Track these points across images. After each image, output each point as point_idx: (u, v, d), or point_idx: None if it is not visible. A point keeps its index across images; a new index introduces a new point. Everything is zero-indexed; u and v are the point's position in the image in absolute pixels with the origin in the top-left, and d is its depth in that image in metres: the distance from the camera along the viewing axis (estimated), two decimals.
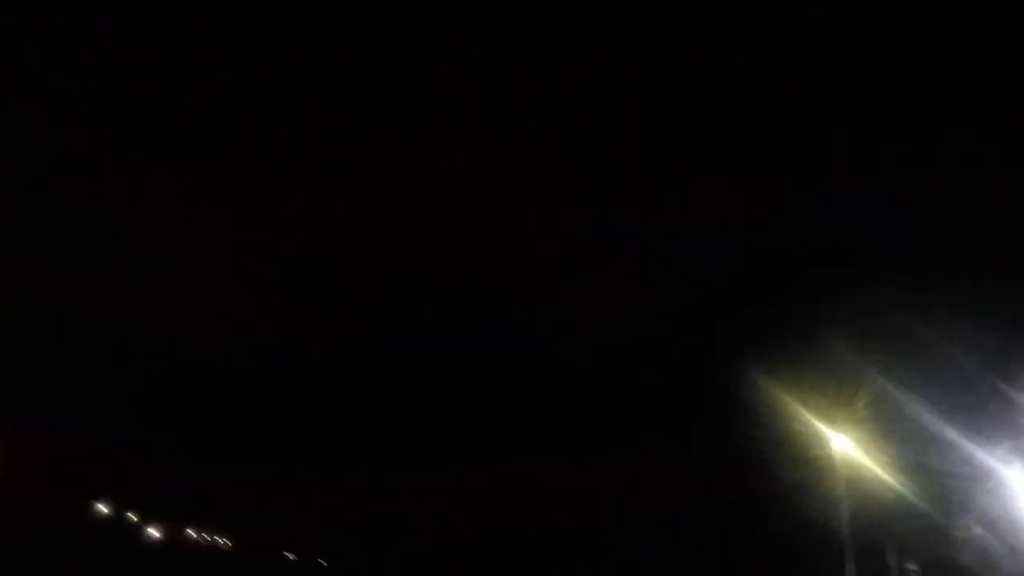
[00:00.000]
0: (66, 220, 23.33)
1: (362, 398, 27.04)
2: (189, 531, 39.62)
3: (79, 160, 22.69)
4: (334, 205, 28.18)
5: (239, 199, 24.61)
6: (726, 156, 23.48)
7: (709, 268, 24.41)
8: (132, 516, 33.67)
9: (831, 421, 23.01)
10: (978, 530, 26.11)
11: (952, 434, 22.92)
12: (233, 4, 22.61)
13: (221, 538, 42.56)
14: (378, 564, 34.54)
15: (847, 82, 23.30)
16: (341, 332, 25.45)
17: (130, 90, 23.64)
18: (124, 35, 20.91)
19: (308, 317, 25.38)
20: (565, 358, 25.33)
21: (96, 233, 24.50)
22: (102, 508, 31.07)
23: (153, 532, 35.36)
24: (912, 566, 22.32)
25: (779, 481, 23.39)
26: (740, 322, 23.74)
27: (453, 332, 26.51)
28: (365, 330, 25.46)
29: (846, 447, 22.95)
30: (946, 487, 24.39)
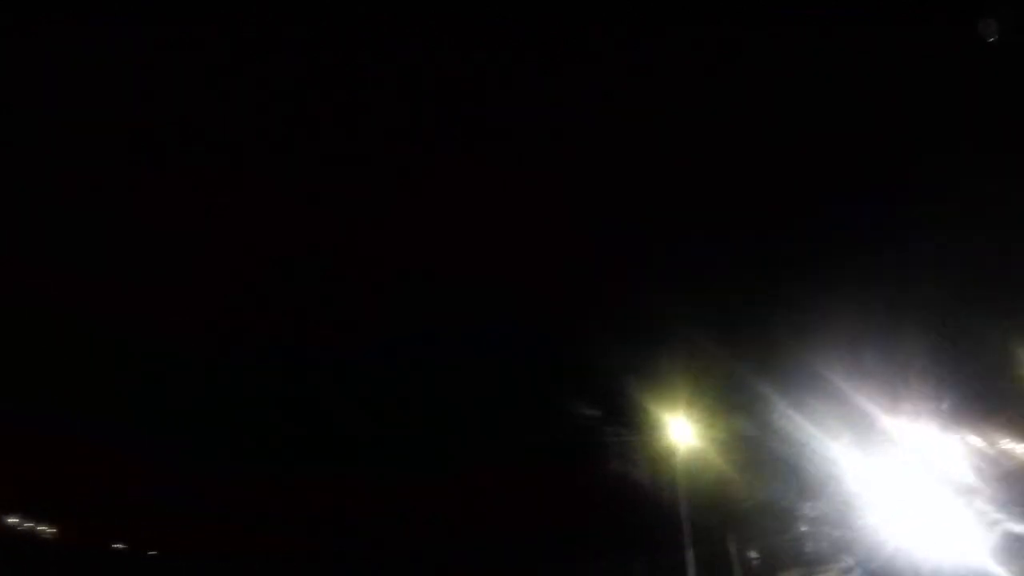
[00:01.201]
0: (66, 220, 23.42)
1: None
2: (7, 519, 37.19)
3: (79, 160, 22.77)
4: (331, 206, 28.28)
5: (238, 199, 24.69)
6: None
7: (562, 260, 24.47)
8: None
9: (675, 407, 23.58)
10: (818, 520, 26.80)
11: (796, 427, 23.82)
12: (233, 4, 22.71)
13: (43, 526, 39.93)
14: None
15: None
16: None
17: (131, 90, 23.74)
18: (123, 34, 21.00)
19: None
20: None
21: (96, 233, 24.60)
22: None
23: None
24: (753, 553, 22.68)
25: (623, 466, 23.62)
26: (593, 309, 24.13)
27: None
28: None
29: (689, 433, 23.65)
30: (789, 478, 24.78)
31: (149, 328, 24.83)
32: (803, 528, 28.87)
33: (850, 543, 28.48)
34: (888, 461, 26.49)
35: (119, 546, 40.30)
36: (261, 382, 25.69)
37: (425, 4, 22.20)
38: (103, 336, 24.39)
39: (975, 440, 26.87)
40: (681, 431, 23.60)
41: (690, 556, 22.89)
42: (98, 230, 24.43)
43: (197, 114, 25.31)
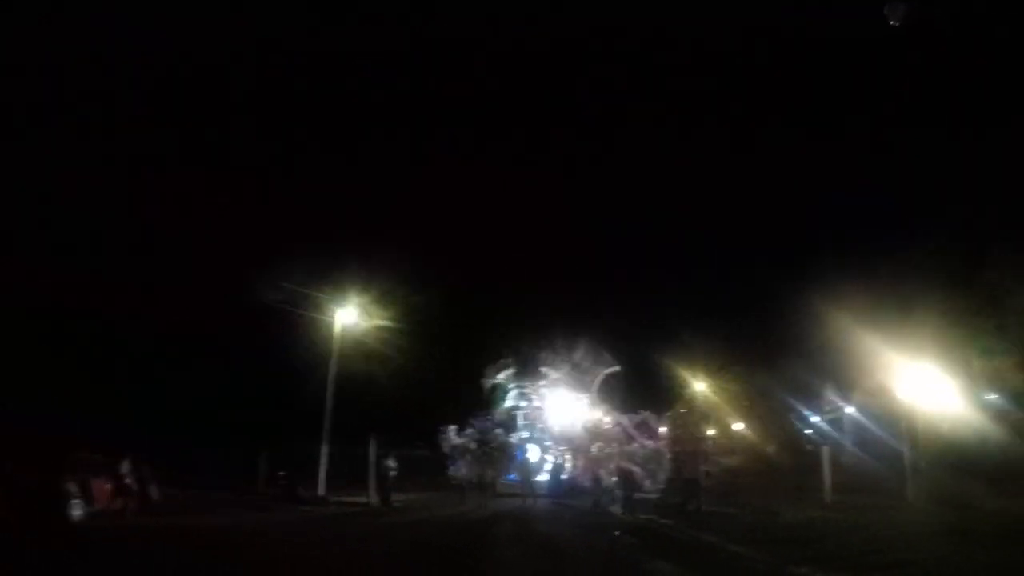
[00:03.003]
0: (66, 220, 23.42)
1: None
2: None
3: (79, 159, 22.77)
4: (325, 206, 28.34)
5: (237, 199, 24.71)
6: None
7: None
8: None
9: (343, 309, 24.91)
10: (466, 443, 29.12)
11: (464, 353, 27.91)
12: (234, 6, 22.70)
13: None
14: None
15: None
16: None
17: (131, 92, 23.72)
18: (124, 35, 20.99)
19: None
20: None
21: (96, 233, 24.59)
22: None
23: None
24: (391, 463, 23.74)
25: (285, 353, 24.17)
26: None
27: None
28: None
29: (345, 320, 24.75)
30: (444, 400, 27.81)
31: (149, 328, 24.84)
32: (449, 449, 29.19)
33: (498, 468, 29.63)
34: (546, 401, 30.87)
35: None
36: (261, 382, 25.72)
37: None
38: (103, 336, 24.39)
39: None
40: (340, 317, 24.53)
41: (324, 451, 23.04)
42: (98, 230, 24.44)
43: (196, 113, 25.29)
